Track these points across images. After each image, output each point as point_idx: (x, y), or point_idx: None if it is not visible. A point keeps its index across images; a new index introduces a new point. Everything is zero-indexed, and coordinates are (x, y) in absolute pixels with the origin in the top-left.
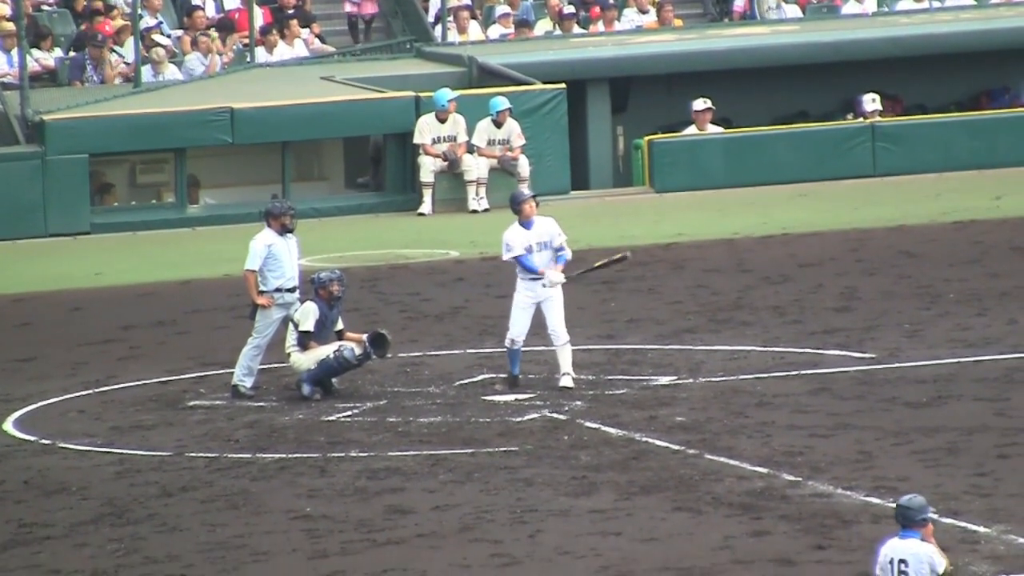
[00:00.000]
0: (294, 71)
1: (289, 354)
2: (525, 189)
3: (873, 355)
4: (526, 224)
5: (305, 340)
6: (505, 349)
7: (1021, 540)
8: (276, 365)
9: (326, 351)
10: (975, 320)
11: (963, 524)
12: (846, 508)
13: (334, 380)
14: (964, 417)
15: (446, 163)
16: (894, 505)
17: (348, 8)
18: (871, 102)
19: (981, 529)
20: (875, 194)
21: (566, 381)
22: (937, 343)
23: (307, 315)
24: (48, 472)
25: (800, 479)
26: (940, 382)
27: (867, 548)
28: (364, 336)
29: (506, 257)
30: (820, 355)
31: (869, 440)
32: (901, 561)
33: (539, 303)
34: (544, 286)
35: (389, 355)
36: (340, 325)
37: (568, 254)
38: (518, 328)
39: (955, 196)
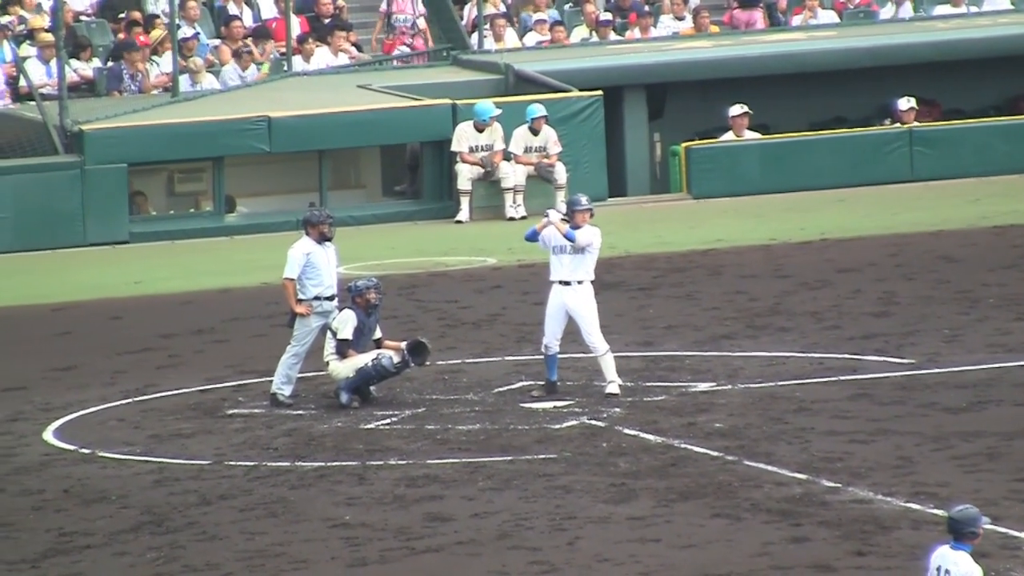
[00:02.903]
0: (331, 79)
1: (327, 362)
2: (584, 200)
3: (912, 360)
4: (575, 228)
5: (344, 348)
6: (542, 356)
7: None
8: (314, 373)
9: (364, 360)
10: (1014, 325)
11: (1003, 530)
12: (885, 514)
13: (372, 388)
14: (1004, 422)
15: (483, 171)
16: (941, 513)
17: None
18: (905, 103)
19: (1022, 535)
20: (913, 199)
21: (612, 388)
22: (976, 348)
23: (345, 323)
24: (88, 481)
25: (839, 485)
26: (979, 387)
27: (906, 554)
28: (403, 344)
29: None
30: (859, 360)
31: (908, 446)
32: (947, 572)
33: (573, 316)
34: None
35: (428, 363)
36: (378, 333)
37: (578, 236)
38: (550, 333)
39: (993, 200)
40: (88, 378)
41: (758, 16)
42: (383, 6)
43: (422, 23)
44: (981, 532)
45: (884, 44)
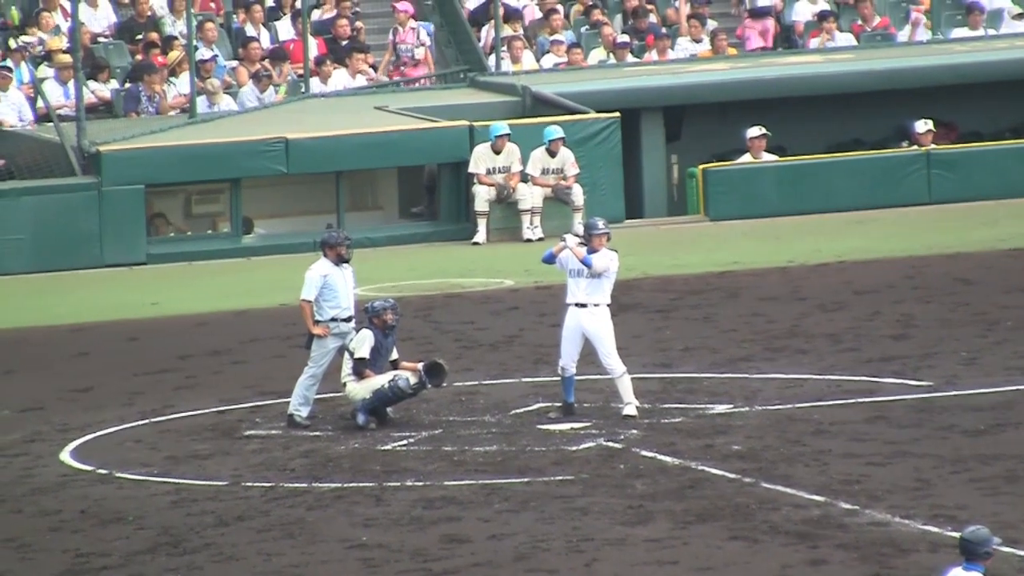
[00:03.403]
0: (348, 101)
1: (344, 383)
2: (601, 224)
3: (930, 383)
4: (592, 252)
5: (361, 368)
6: (559, 377)
7: None
8: (332, 395)
9: (381, 381)
10: None
11: (1022, 553)
12: (904, 537)
13: (389, 409)
14: (1022, 445)
15: (499, 194)
16: (958, 536)
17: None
18: (923, 125)
19: None
20: (931, 221)
21: (629, 410)
22: (994, 370)
23: (362, 343)
24: (105, 502)
25: (857, 507)
26: (998, 410)
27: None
28: (419, 365)
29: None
30: (876, 383)
31: (927, 468)
32: None
33: (589, 338)
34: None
35: (445, 384)
36: (395, 355)
37: (596, 261)
38: (567, 355)
39: (1011, 223)
40: (105, 399)
41: (770, 25)
42: (390, 36)
43: (421, 52)
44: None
45: (901, 67)
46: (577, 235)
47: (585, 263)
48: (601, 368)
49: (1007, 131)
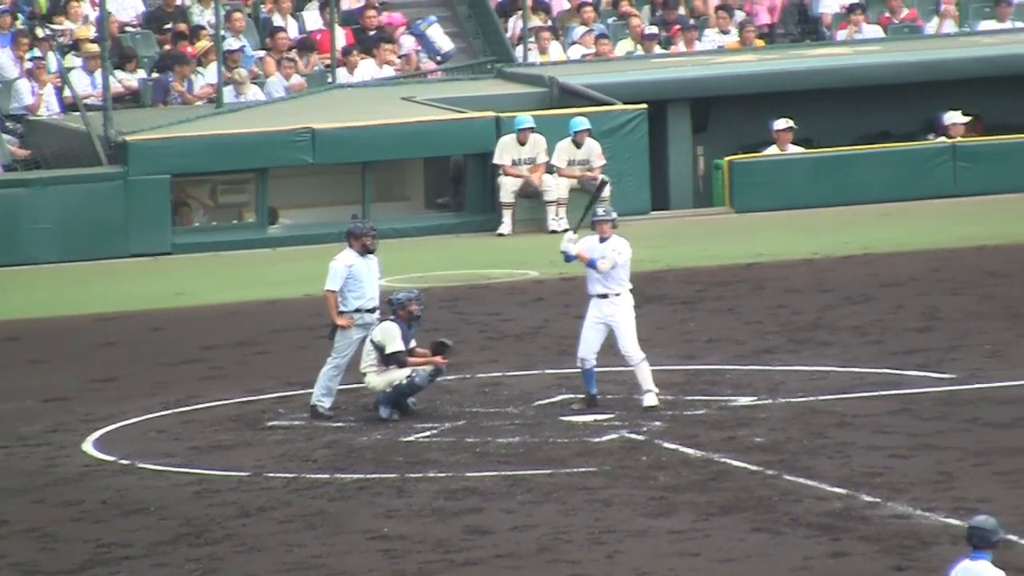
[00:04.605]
0: (375, 91)
1: (365, 374)
2: (601, 210)
3: (954, 375)
4: (602, 239)
5: (403, 359)
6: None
7: None
8: (355, 385)
9: (400, 375)
10: None
11: None
12: (926, 529)
13: (411, 400)
14: None
15: (524, 187)
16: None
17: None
18: (955, 116)
19: None
20: (957, 214)
21: (649, 399)
22: (1020, 363)
23: (392, 336)
24: (127, 492)
25: (879, 500)
26: (1022, 403)
27: (946, 569)
28: (428, 350)
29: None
30: (901, 375)
31: (950, 461)
32: None
33: (610, 325)
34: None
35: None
36: (412, 343)
37: (601, 264)
38: (586, 347)
39: None
40: (129, 389)
41: (777, 1)
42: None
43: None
44: (999, 543)
45: (929, 59)
46: (573, 235)
47: (591, 265)
48: (621, 358)
49: None
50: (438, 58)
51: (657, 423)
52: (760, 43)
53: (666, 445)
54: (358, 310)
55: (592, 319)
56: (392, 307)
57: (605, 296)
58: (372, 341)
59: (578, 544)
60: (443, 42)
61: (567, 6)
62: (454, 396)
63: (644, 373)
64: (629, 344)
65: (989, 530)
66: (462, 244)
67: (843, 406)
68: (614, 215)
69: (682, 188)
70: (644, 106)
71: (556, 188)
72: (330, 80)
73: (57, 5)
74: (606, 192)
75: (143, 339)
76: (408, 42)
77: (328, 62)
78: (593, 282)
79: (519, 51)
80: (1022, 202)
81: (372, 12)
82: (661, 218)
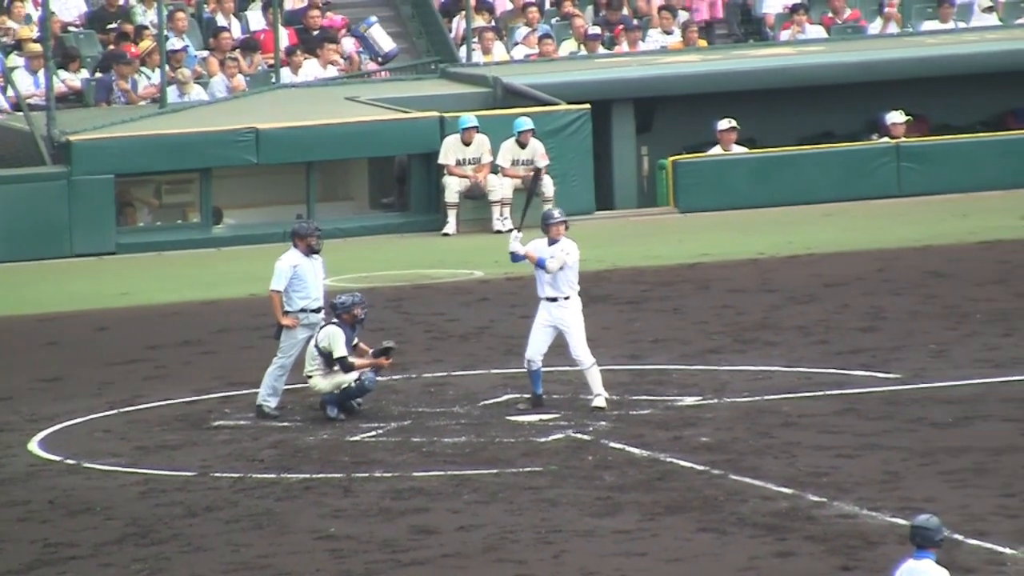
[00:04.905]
0: (319, 91)
1: (310, 376)
2: (557, 212)
3: (899, 375)
4: (552, 242)
5: (349, 364)
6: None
7: None
8: (301, 385)
9: (348, 378)
10: (1002, 340)
11: (989, 545)
12: (872, 529)
13: (357, 401)
14: (991, 437)
15: (469, 185)
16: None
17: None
18: (896, 116)
19: (1008, 550)
20: (901, 214)
21: (599, 402)
22: (964, 363)
23: (336, 341)
24: (73, 492)
25: (826, 500)
26: (967, 402)
27: (892, 569)
28: (371, 351)
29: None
30: (846, 375)
31: (895, 461)
32: None
33: (559, 329)
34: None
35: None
36: (355, 339)
37: (549, 264)
38: (533, 348)
39: (981, 216)
40: (74, 389)
41: None
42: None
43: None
44: (943, 542)
45: (872, 59)
46: (519, 235)
47: (540, 265)
48: (570, 360)
49: (977, 124)
50: (379, 59)
51: (603, 423)
52: (703, 43)
53: (612, 445)
54: (303, 310)
55: (541, 321)
56: (336, 311)
57: (554, 300)
58: (317, 346)
59: (524, 544)
60: (385, 43)
61: (510, 6)
62: (400, 396)
63: (594, 377)
64: (580, 349)
65: (932, 529)
66: (407, 244)
67: (789, 406)
68: (566, 218)
69: (626, 188)
70: (588, 106)
71: (501, 188)
72: (274, 80)
73: (0, 5)
74: (549, 191)
75: (88, 339)
76: (349, 44)
77: (272, 62)
78: (543, 285)
79: (463, 51)
80: (965, 202)
81: (315, 12)
82: (606, 218)
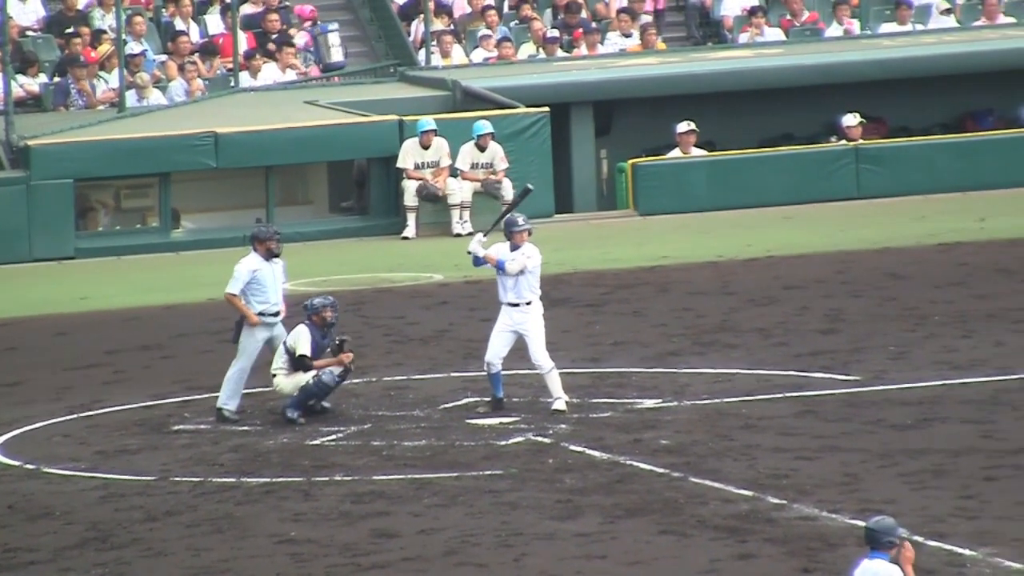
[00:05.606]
0: (278, 95)
1: (274, 375)
2: (521, 220)
3: (859, 377)
4: (514, 248)
5: (307, 363)
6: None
7: (1007, 563)
8: (261, 389)
9: (305, 377)
10: (961, 342)
11: (949, 547)
12: (832, 531)
13: (324, 403)
14: (950, 439)
15: (420, 189)
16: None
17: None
18: (851, 119)
19: (967, 552)
20: (860, 216)
21: (559, 405)
22: (923, 365)
23: (301, 339)
24: (33, 497)
25: (785, 502)
26: (926, 404)
27: (850, 570)
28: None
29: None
30: (805, 377)
31: (855, 463)
32: None
33: (519, 333)
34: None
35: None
36: (326, 346)
37: (509, 266)
38: (493, 351)
39: (940, 218)
40: (33, 394)
41: None
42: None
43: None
44: (899, 542)
45: (831, 62)
46: (482, 239)
47: (499, 267)
48: (530, 363)
49: (935, 126)
50: (321, 65)
51: (563, 426)
52: (662, 46)
53: (572, 448)
54: (262, 314)
55: (502, 326)
56: (307, 312)
57: (516, 305)
58: (284, 344)
59: (485, 547)
60: (335, 52)
61: (469, 10)
62: (360, 399)
63: (554, 381)
64: (539, 353)
65: (881, 531)
66: (366, 248)
67: (748, 408)
68: (530, 225)
69: (586, 191)
70: (547, 109)
71: (460, 191)
72: (233, 84)
73: None
74: (509, 195)
75: (47, 343)
76: (302, 39)
77: (230, 66)
78: (504, 290)
79: (422, 55)
80: (924, 204)
81: (274, 16)
82: (565, 221)
